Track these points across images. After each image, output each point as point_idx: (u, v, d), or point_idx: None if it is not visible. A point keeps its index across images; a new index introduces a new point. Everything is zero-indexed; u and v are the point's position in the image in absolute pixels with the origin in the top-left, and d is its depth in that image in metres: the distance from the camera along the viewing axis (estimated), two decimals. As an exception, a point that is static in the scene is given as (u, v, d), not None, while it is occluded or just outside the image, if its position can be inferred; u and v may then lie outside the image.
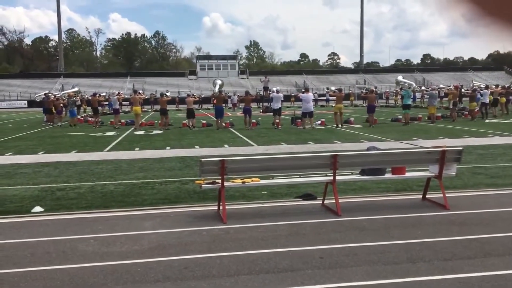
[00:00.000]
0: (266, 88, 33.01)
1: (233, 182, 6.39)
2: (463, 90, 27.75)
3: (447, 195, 6.44)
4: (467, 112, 22.71)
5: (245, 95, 21.16)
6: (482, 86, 28.51)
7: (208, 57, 79.79)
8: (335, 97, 20.62)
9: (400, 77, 26.60)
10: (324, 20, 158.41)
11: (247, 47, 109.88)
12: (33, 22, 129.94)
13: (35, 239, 5.27)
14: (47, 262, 4.52)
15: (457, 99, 22.62)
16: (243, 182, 6.36)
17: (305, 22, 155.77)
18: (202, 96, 43.94)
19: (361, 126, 19.61)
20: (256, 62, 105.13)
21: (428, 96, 23.85)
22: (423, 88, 27.73)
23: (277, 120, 19.72)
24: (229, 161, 6.02)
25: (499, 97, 24.40)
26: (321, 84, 63.74)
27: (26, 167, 10.50)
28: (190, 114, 20.33)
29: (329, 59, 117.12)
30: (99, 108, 30.05)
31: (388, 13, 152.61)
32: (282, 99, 21.35)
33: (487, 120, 21.46)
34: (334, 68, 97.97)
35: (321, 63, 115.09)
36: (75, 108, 24.59)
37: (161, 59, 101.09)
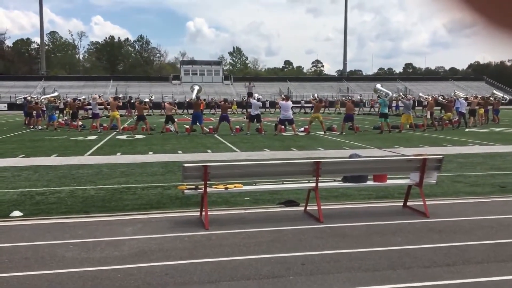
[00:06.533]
0: (250, 94, 33.11)
1: (215, 188, 6.37)
2: (439, 99, 28.24)
3: (427, 202, 6.51)
4: (447, 121, 23.06)
5: (223, 102, 21.23)
6: (462, 95, 28.93)
7: (192, 62, 79.65)
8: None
9: (378, 85, 26.73)
10: (308, 28, 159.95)
11: (230, 53, 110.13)
12: (14, 24, 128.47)
13: (13, 244, 5.18)
14: (25, 268, 4.44)
15: (433, 109, 23.44)
16: (226, 188, 6.35)
17: (289, 29, 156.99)
18: (187, 101, 43.67)
19: (344, 133, 19.74)
20: (240, 68, 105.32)
21: (402, 105, 24.66)
22: (399, 97, 27.81)
23: (259, 126, 19.80)
24: (212, 166, 6.00)
25: (477, 107, 24.80)
26: (305, 91, 64.08)
27: (5, 170, 10.32)
28: (169, 119, 20.48)
29: (313, 66, 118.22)
30: (82, 111, 29.81)
31: (371, 22, 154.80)
32: (261, 106, 22.14)
33: (467, 129, 21.84)
34: (317, 76, 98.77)
35: (305, 70, 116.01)
36: (54, 113, 24.15)
37: (144, 64, 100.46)
